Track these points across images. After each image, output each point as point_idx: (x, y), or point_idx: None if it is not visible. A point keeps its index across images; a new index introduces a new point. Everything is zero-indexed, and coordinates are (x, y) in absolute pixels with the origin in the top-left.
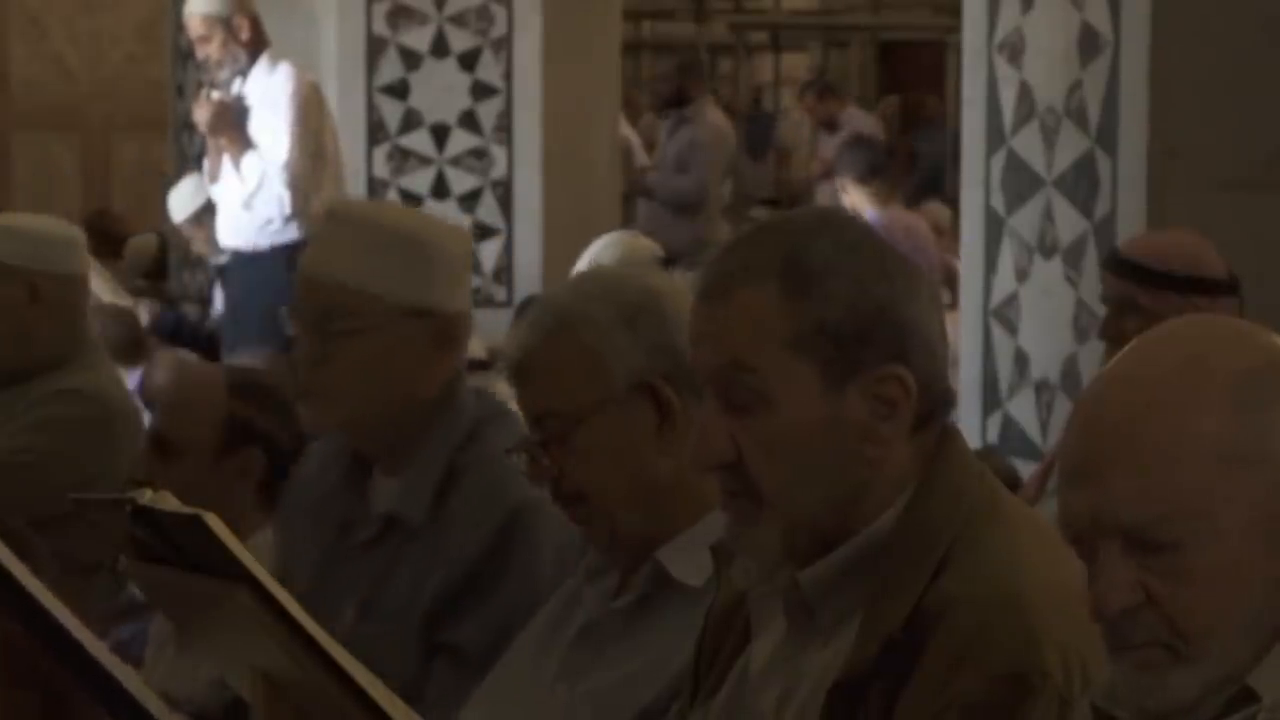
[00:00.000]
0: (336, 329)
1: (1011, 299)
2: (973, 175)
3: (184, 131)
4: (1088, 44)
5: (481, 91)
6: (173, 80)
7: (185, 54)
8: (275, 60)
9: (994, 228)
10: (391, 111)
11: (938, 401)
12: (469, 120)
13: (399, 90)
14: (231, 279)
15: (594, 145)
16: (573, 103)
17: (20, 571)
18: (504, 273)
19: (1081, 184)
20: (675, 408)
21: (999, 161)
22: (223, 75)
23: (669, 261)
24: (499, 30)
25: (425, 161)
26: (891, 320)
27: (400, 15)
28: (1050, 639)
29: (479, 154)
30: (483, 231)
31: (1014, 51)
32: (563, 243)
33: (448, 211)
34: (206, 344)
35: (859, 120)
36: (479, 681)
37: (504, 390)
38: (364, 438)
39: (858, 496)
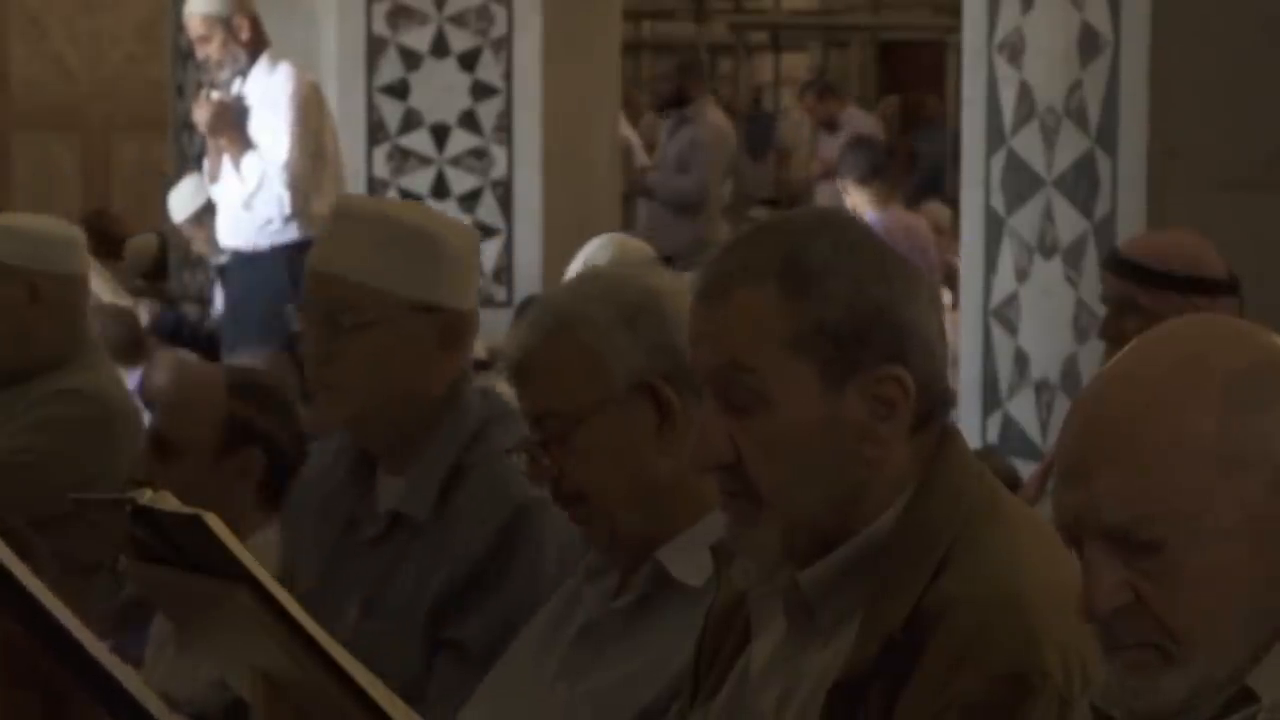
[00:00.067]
0: (345, 324)
1: (1011, 299)
2: (973, 175)
3: (184, 131)
4: (1088, 44)
5: (481, 91)
6: (173, 80)
7: (185, 54)
8: (275, 60)
9: (994, 228)
10: (391, 111)
11: (937, 402)
12: (469, 120)
13: (399, 90)
14: (231, 279)
15: (594, 145)
16: (573, 103)
17: (20, 571)
18: (504, 273)
19: (1081, 184)
20: (675, 408)
21: (999, 161)
22: (223, 75)
23: (668, 261)
24: (499, 30)
25: (425, 161)
26: (890, 321)
27: (400, 15)
28: (1050, 639)
29: (479, 154)
30: (483, 231)
31: (1014, 51)
32: (563, 243)
33: (447, 212)
34: (206, 344)
35: (859, 120)
36: (482, 678)
37: (505, 390)
38: (370, 435)
39: (857, 496)
